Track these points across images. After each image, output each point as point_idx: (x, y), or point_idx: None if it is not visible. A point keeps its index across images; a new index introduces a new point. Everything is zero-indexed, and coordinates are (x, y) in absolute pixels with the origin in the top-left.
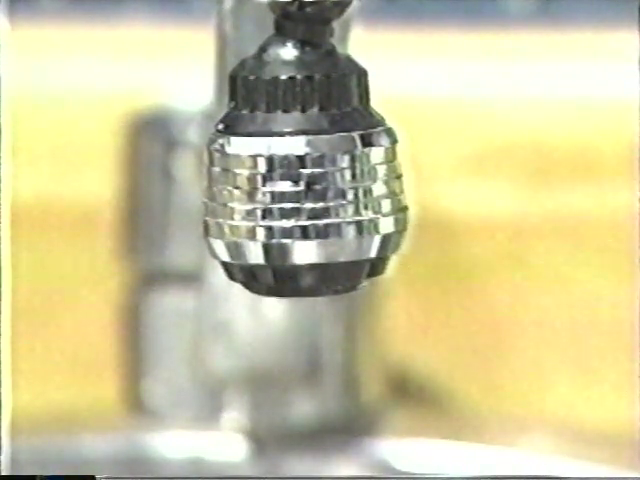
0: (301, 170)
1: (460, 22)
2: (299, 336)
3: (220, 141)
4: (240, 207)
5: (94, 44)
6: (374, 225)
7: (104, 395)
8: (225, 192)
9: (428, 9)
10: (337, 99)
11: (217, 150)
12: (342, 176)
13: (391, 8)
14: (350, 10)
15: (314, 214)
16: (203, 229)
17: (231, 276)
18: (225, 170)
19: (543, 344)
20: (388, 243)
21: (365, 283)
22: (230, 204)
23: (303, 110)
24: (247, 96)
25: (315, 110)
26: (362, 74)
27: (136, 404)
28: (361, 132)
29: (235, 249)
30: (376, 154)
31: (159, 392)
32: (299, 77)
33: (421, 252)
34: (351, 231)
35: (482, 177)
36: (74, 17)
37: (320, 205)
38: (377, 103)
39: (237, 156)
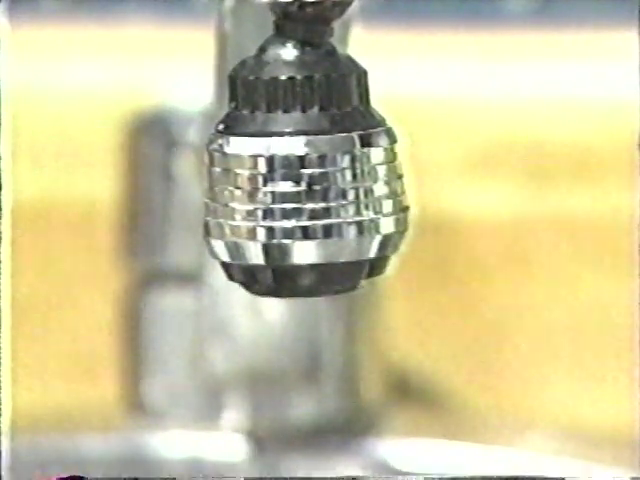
0: (301, 170)
1: (460, 22)
2: (299, 336)
3: (220, 141)
4: (240, 207)
5: (94, 44)
6: (375, 225)
7: (104, 395)
8: (226, 192)
9: (428, 9)
10: (337, 99)
11: (217, 150)
12: (342, 176)
13: (391, 8)
14: (350, 10)
15: (315, 214)
16: (203, 229)
17: (231, 276)
18: (225, 170)
19: (543, 344)
20: (388, 243)
21: (365, 283)
22: (230, 204)
23: (303, 110)
24: (247, 96)
25: (315, 110)
26: (362, 74)
27: (136, 404)
28: (361, 132)
29: (235, 249)
30: (376, 154)
31: (159, 392)
32: (299, 77)
33: (421, 252)
34: (352, 231)
35: (482, 177)
36: (74, 17)
37: (321, 205)
38: (377, 103)
39: (237, 156)
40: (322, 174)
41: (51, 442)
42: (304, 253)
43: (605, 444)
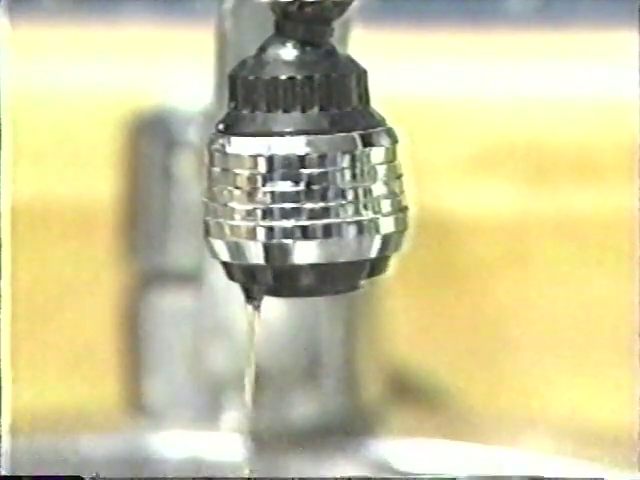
0: (301, 170)
1: (460, 22)
2: (299, 336)
3: (220, 141)
4: (240, 207)
5: (94, 44)
6: (374, 225)
7: (104, 395)
8: (225, 192)
9: (428, 9)
10: (337, 99)
11: (217, 150)
12: (342, 176)
13: (391, 8)
14: (350, 10)
15: (314, 214)
16: (203, 229)
17: (231, 276)
18: (225, 170)
19: (543, 344)
20: (388, 243)
21: (365, 283)
22: (230, 204)
23: (303, 110)
24: (247, 96)
25: (315, 110)
26: (362, 74)
27: (136, 404)
28: (361, 132)
29: (235, 249)
30: (376, 154)
31: (159, 392)
32: (299, 77)
33: (421, 252)
34: (351, 231)
35: (482, 177)
36: (74, 17)
37: (320, 205)
38: (377, 103)
39: (237, 156)
40: (322, 174)
41: (51, 442)
42: (304, 253)
43: (605, 444)
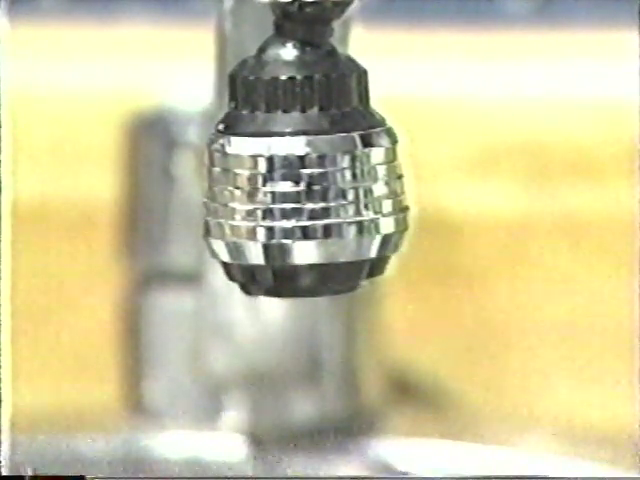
0: (301, 170)
1: (460, 22)
2: (299, 336)
3: (220, 141)
4: (240, 207)
5: (94, 44)
6: (375, 225)
7: (104, 395)
8: (226, 192)
9: (428, 9)
10: (337, 99)
11: (217, 150)
12: (342, 176)
13: (391, 8)
14: (350, 10)
15: (314, 214)
16: (203, 229)
17: (231, 276)
18: (225, 170)
19: (543, 344)
20: (388, 243)
21: (365, 283)
22: (230, 204)
23: (303, 110)
24: (247, 96)
25: (315, 110)
26: (362, 74)
27: (136, 404)
28: (361, 132)
29: (235, 249)
30: (376, 154)
31: (159, 392)
32: (299, 77)
33: (421, 252)
34: (352, 231)
35: (482, 177)
36: (74, 17)
37: (320, 205)
38: (377, 103)
39: (237, 156)
40: (322, 174)
41: (51, 442)
42: (304, 253)
43: (605, 444)
